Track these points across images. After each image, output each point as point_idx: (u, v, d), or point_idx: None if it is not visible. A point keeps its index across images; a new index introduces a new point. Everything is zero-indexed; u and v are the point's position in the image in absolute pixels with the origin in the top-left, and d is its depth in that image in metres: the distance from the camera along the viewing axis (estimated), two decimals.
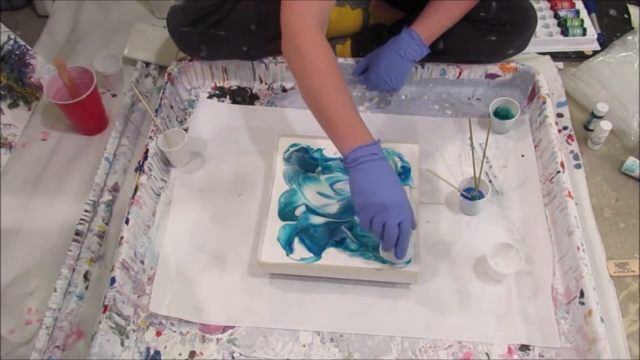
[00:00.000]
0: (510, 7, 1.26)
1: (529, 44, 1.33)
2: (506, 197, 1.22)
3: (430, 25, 1.20)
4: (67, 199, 1.26)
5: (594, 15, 1.57)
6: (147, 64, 1.50)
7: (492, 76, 1.37)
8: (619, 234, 1.20)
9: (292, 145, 1.23)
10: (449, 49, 1.29)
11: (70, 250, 1.16)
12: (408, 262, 1.04)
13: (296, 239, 1.10)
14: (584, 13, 1.56)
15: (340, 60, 1.37)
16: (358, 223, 1.11)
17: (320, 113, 1.00)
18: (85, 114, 1.33)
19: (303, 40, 1.00)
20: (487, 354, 1.03)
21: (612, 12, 1.60)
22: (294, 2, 1.01)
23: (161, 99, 1.30)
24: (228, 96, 1.41)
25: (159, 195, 1.23)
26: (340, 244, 1.09)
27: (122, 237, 1.09)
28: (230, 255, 1.15)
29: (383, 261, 1.06)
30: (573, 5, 1.58)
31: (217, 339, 1.05)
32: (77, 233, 1.18)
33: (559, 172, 1.18)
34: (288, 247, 1.09)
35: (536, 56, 1.48)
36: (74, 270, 1.14)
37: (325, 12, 1.04)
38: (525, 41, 1.32)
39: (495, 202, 1.21)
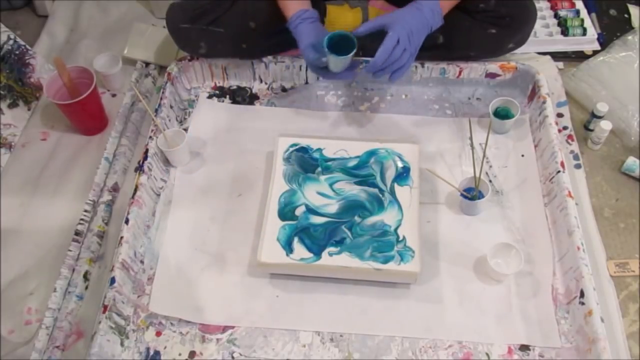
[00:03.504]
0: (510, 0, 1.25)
1: (530, 44, 1.33)
2: (506, 197, 1.22)
3: None
4: (67, 199, 1.26)
5: (594, 15, 1.57)
6: (147, 64, 1.50)
7: (492, 76, 1.36)
8: (619, 234, 1.20)
9: (292, 145, 1.23)
10: (449, 43, 1.29)
11: (70, 250, 1.16)
12: None
13: (296, 239, 1.10)
14: (584, 13, 1.55)
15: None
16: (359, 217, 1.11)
17: None
18: (85, 114, 1.33)
19: None
20: (487, 354, 1.03)
21: (612, 12, 1.59)
22: None
23: (161, 98, 1.30)
24: (228, 96, 1.41)
25: (159, 195, 1.23)
26: (340, 243, 1.09)
27: (122, 237, 1.09)
28: (230, 255, 1.15)
29: (383, 261, 1.06)
30: (573, 5, 1.58)
31: (217, 339, 1.05)
32: (77, 233, 1.18)
33: (559, 172, 1.18)
34: (288, 247, 1.09)
35: (536, 56, 1.47)
36: (73, 270, 1.14)
37: None
38: (525, 35, 1.32)
39: (495, 202, 1.21)
